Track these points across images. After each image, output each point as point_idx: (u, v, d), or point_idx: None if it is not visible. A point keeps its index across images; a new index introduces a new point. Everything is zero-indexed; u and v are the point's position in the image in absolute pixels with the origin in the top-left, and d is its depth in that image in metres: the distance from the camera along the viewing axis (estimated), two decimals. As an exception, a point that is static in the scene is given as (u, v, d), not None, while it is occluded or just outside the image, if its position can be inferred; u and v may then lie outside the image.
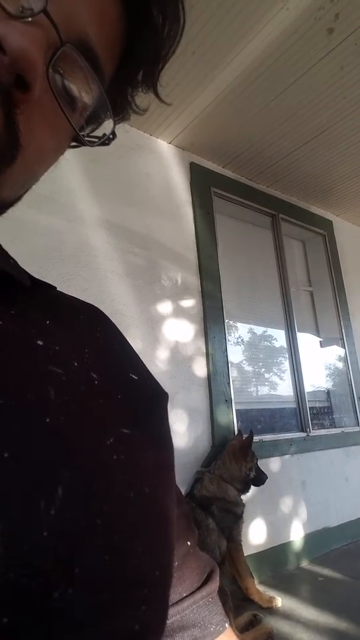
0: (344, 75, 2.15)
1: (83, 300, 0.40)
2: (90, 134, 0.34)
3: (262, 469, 2.07)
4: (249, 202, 3.00)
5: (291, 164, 2.87)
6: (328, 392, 3.28)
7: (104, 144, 0.35)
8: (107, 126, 0.34)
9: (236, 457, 1.97)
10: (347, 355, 3.28)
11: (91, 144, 0.34)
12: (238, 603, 1.82)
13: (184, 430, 2.13)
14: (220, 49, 1.95)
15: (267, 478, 2.03)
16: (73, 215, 2.06)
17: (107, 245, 2.15)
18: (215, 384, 2.32)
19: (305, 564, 2.37)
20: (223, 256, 2.68)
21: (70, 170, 2.08)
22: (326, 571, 2.26)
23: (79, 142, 0.33)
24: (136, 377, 0.36)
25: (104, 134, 0.34)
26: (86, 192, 2.13)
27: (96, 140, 0.34)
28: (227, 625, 0.40)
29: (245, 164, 2.85)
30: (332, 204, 3.51)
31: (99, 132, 0.35)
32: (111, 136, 0.34)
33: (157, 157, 2.53)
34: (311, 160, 2.84)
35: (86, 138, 0.33)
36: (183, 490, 1.95)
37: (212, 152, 2.72)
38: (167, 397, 0.40)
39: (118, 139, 0.35)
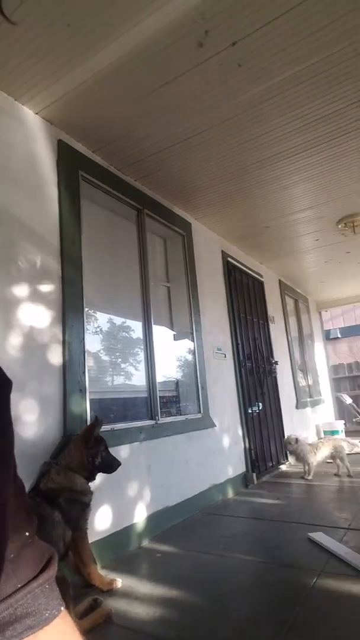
0: (208, 90, 2.32)
1: None
2: None
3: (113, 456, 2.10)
4: (116, 193, 3.00)
5: (160, 162, 2.97)
6: (177, 383, 3.53)
7: None
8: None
9: (79, 444, 1.96)
10: (196, 348, 3.58)
11: None
12: (81, 591, 1.83)
13: (34, 420, 2.03)
14: (96, 29, 1.89)
15: (119, 464, 2.07)
16: None
17: None
18: (70, 374, 2.26)
19: (145, 543, 2.52)
20: (86, 243, 2.62)
21: None
22: (164, 547, 2.44)
23: None
24: None
25: None
26: None
27: None
28: (62, 608, 0.42)
29: (116, 154, 2.84)
30: (192, 207, 3.77)
31: None
32: None
33: (21, 125, 2.31)
34: (178, 162, 3.00)
35: None
36: (29, 483, 1.85)
37: (82, 133, 2.63)
38: (10, 385, 0.39)
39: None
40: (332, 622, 1.54)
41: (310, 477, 4.05)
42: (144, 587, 1.94)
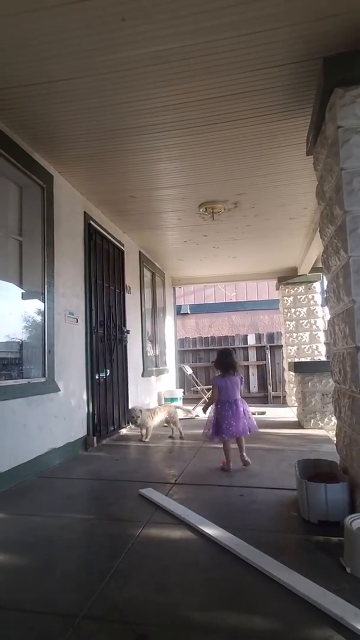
0: (85, 35, 2.10)
1: None
2: None
3: None
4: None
5: (25, 97, 2.62)
6: (21, 344, 3.31)
7: None
8: None
9: None
10: (46, 310, 3.40)
11: None
12: None
13: None
14: None
15: None
16: None
17: None
18: None
19: (-31, 511, 2.35)
20: None
21: None
22: (-9, 514, 2.32)
23: None
24: None
25: None
26: None
27: None
28: None
29: (-32, 73, 2.40)
30: (56, 159, 3.48)
31: None
32: None
33: None
34: (48, 105, 2.69)
35: None
36: None
37: None
38: None
39: None
40: (150, 564, 1.71)
41: (147, 440, 4.34)
42: None
